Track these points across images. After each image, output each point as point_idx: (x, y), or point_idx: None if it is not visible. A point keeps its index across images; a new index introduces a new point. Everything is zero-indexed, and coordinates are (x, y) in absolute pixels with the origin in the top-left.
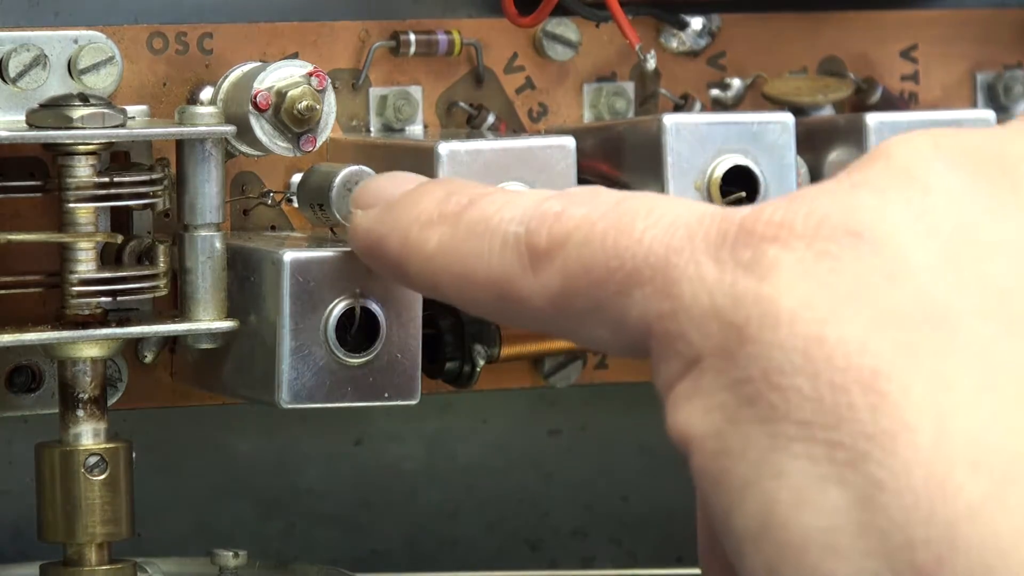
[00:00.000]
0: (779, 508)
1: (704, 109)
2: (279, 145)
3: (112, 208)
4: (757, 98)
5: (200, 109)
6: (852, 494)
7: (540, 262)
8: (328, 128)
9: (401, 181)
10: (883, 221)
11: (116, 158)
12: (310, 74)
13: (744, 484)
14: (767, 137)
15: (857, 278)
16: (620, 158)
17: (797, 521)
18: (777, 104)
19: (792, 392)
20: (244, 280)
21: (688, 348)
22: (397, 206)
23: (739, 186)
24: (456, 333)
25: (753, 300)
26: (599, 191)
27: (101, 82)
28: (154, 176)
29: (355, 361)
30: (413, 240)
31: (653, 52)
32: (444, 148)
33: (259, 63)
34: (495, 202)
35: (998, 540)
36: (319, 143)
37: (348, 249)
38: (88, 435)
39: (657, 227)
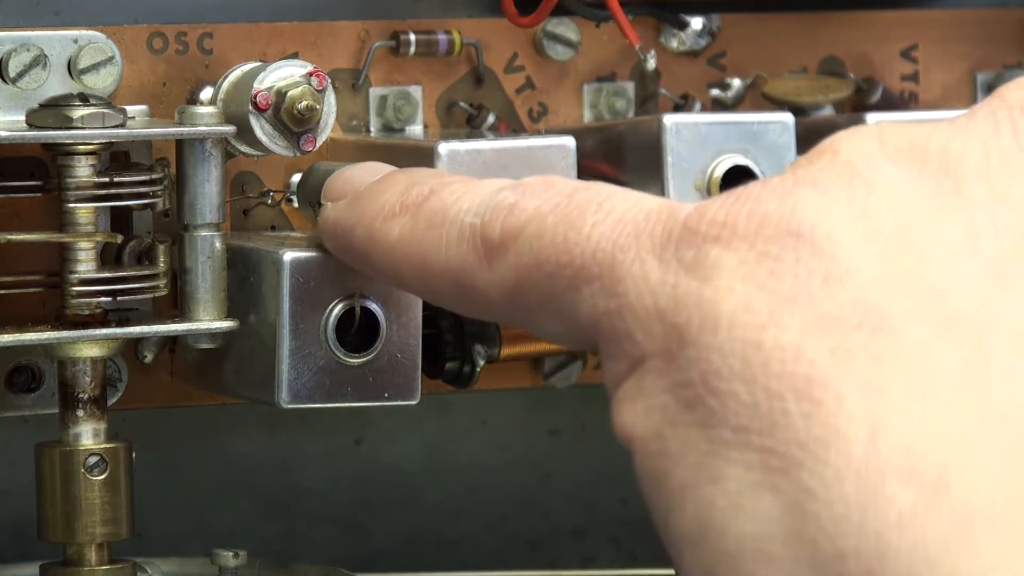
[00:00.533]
0: (716, 514)
1: (704, 109)
2: (279, 145)
3: (112, 208)
4: (757, 98)
5: (200, 109)
6: (784, 502)
7: (494, 255)
8: (328, 128)
9: (368, 172)
10: (824, 221)
11: (116, 158)
12: (310, 74)
13: (683, 488)
14: (767, 137)
15: (796, 281)
16: (620, 158)
17: (733, 528)
18: (777, 104)
19: (729, 397)
20: (244, 280)
21: (633, 347)
22: (362, 197)
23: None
24: (456, 333)
25: (694, 302)
26: (553, 182)
27: (101, 82)
28: (154, 176)
29: (355, 361)
30: (376, 231)
31: (653, 52)
32: (444, 148)
33: (259, 63)
34: (453, 192)
35: (927, 550)
36: (319, 143)
37: None
38: (88, 435)
39: (605, 223)
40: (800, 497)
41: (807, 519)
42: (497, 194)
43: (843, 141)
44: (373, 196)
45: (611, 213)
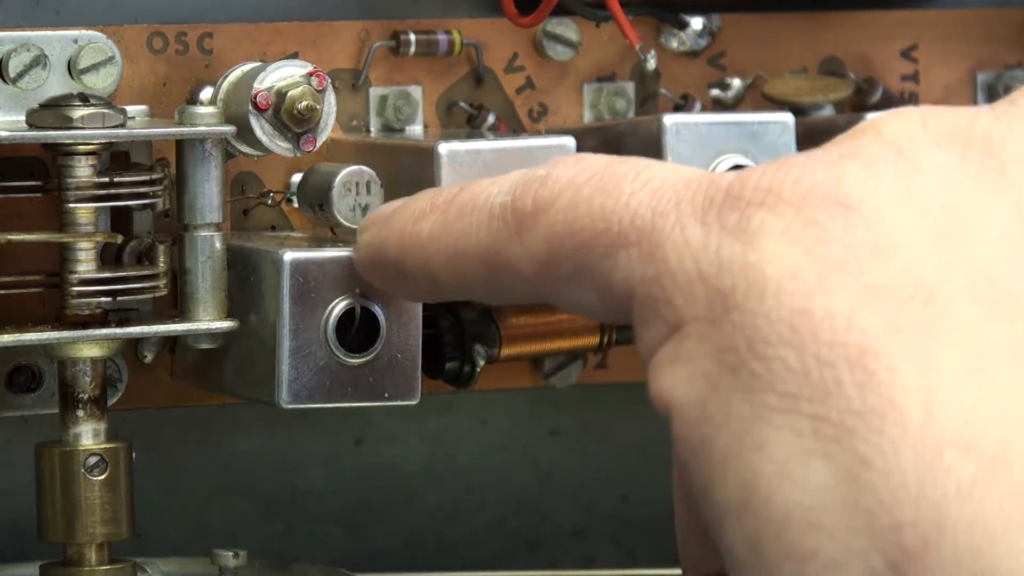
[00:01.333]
0: (761, 481)
1: (704, 109)
2: (279, 145)
3: (112, 208)
4: (757, 98)
5: (200, 109)
6: (837, 470)
7: (526, 226)
8: (328, 128)
9: (397, 200)
10: (872, 194)
11: (116, 158)
12: (310, 74)
13: (726, 455)
14: (767, 137)
15: (845, 250)
16: None
17: (780, 496)
18: (777, 104)
19: (776, 363)
20: (244, 280)
21: (672, 313)
22: (393, 214)
23: None
24: (456, 333)
25: (739, 267)
26: (585, 157)
27: (101, 82)
28: (154, 176)
29: (355, 361)
30: (408, 235)
31: (653, 52)
32: (444, 148)
33: (259, 63)
34: (483, 183)
35: (987, 523)
36: (319, 143)
37: (348, 249)
38: (88, 435)
39: (644, 190)
40: (855, 466)
41: (863, 488)
42: (527, 173)
43: (886, 121)
44: (403, 209)
45: (650, 182)
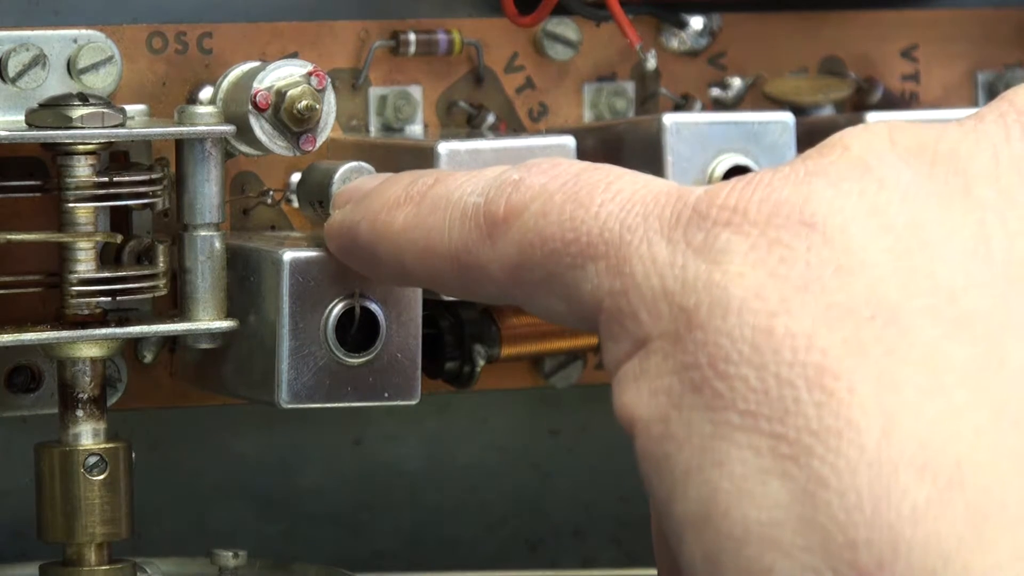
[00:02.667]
0: (720, 497)
1: (704, 109)
2: (279, 145)
3: (112, 208)
4: (757, 98)
5: (200, 109)
6: (794, 488)
7: (497, 230)
8: (328, 128)
9: (374, 179)
10: (837, 213)
11: (116, 158)
12: (310, 74)
13: (686, 471)
14: (767, 137)
15: (808, 270)
16: (620, 158)
17: (738, 512)
18: (777, 104)
19: (738, 381)
20: (244, 280)
21: (637, 328)
22: (368, 196)
23: None
24: (456, 333)
25: (703, 285)
26: (559, 163)
27: (101, 82)
28: (153, 176)
29: (355, 361)
30: (381, 222)
31: (653, 52)
32: (444, 148)
33: (259, 63)
34: (457, 179)
35: (941, 544)
36: (319, 143)
37: None
38: (88, 435)
39: (614, 202)
40: (811, 485)
41: (818, 507)
42: (501, 175)
43: (853, 137)
44: (378, 193)
45: (619, 193)
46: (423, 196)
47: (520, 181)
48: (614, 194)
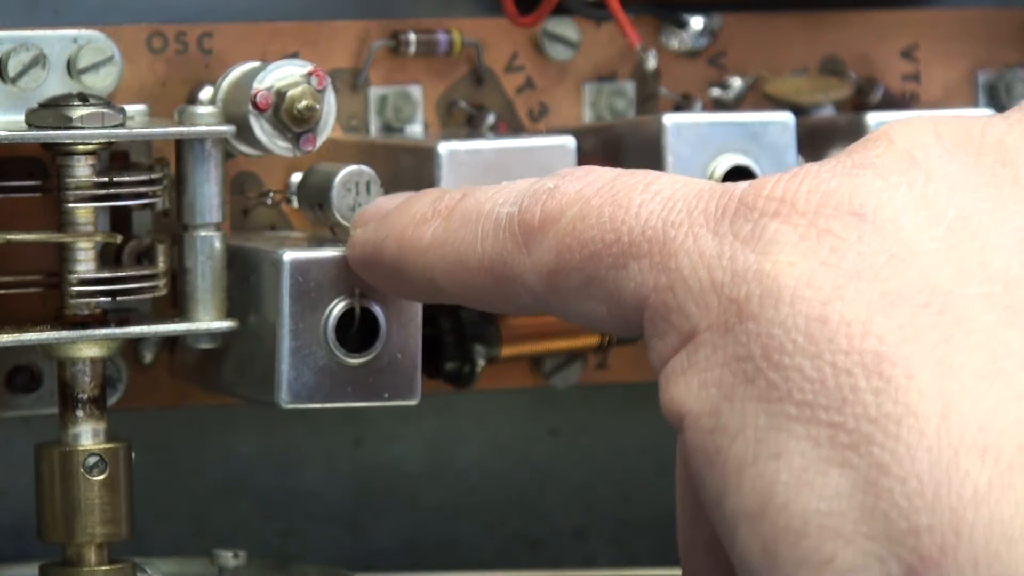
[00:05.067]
0: (778, 489)
1: (704, 109)
2: (279, 145)
3: (112, 208)
4: (758, 98)
5: (199, 109)
6: (855, 477)
7: (533, 238)
8: (328, 128)
9: (395, 197)
10: (886, 204)
11: (115, 158)
12: (310, 74)
13: (741, 464)
14: (768, 137)
15: (860, 258)
16: (620, 158)
17: (798, 503)
18: (778, 104)
19: (793, 371)
20: (244, 280)
21: (685, 322)
22: (392, 213)
23: None
24: (456, 333)
25: (753, 276)
26: (594, 169)
27: (100, 82)
28: (153, 176)
29: (355, 361)
30: (408, 239)
31: (653, 52)
32: (444, 148)
33: (259, 63)
34: (487, 191)
35: (1004, 527)
36: (319, 143)
37: None
38: (87, 435)
39: (654, 201)
40: (872, 473)
41: (880, 494)
42: (534, 184)
43: (897, 131)
44: (403, 210)
45: (659, 192)
46: (451, 210)
47: (555, 189)
48: (653, 194)
